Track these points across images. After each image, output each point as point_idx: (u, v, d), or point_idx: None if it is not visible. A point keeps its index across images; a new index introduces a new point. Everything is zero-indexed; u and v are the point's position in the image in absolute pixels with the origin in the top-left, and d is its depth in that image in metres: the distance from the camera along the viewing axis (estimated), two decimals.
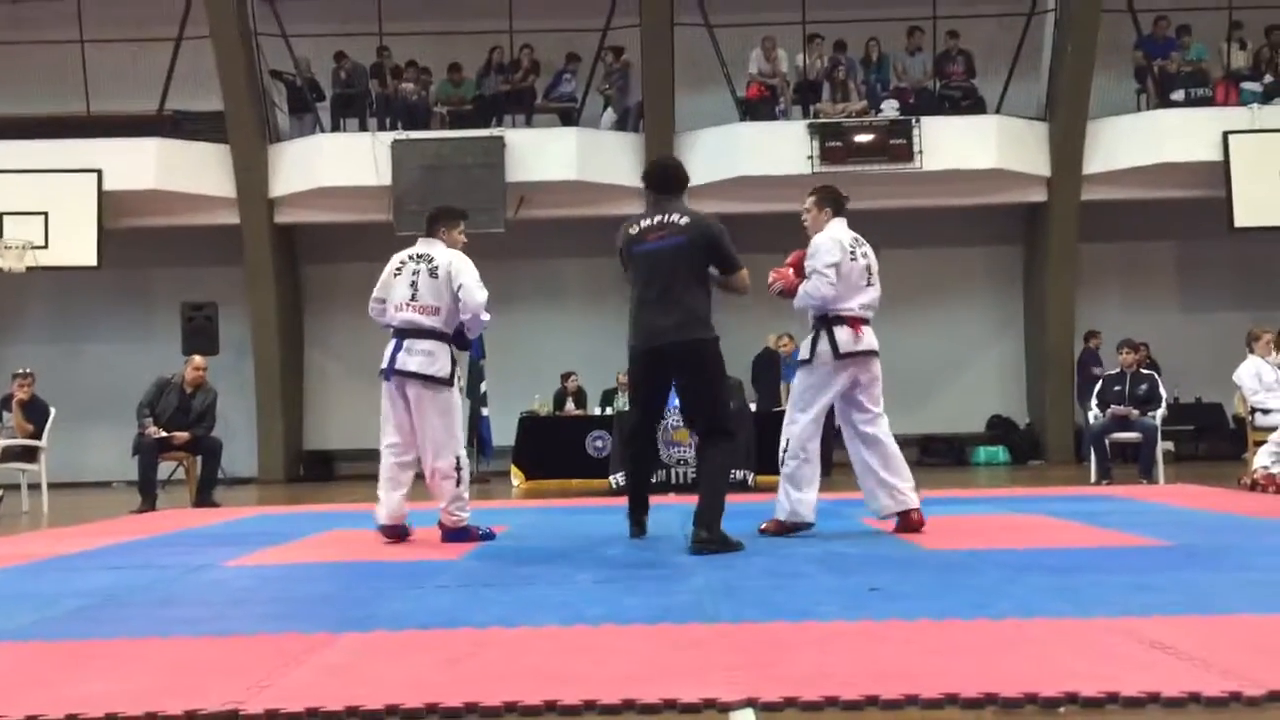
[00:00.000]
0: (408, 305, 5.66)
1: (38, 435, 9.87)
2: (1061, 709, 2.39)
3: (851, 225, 5.85)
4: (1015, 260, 15.43)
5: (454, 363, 5.70)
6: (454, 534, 5.69)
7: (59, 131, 14.05)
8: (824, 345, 5.67)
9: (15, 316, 15.47)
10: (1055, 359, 14.36)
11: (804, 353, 5.80)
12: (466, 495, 5.71)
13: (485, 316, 5.72)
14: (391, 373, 5.64)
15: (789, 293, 5.79)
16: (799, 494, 5.66)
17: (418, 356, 5.60)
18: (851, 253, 5.70)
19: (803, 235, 5.93)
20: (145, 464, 9.51)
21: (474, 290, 5.62)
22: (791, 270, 5.83)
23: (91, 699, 2.56)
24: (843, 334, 5.66)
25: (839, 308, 5.65)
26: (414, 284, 5.66)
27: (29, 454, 9.86)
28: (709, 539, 5.03)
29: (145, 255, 14.94)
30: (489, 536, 5.79)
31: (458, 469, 5.61)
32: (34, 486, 9.92)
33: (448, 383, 5.63)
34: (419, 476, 5.79)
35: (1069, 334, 14.35)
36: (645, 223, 5.45)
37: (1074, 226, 14.16)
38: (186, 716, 2.44)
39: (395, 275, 5.78)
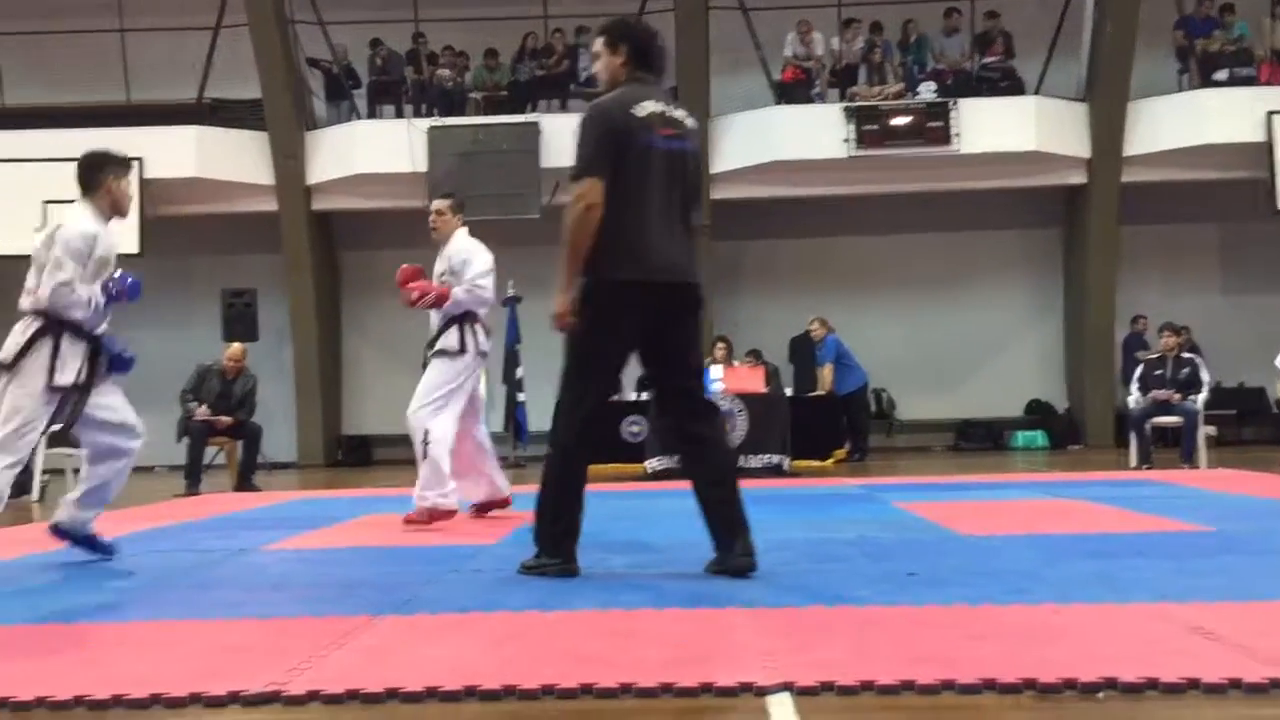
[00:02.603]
0: None
1: None
2: (1100, 695, 2.38)
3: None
4: (1054, 243, 15.28)
5: None
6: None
7: (100, 120, 14.20)
8: (471, 339, 5.86)
9: None
10: (1095, 342, 14.23)
11: (451, 343, 5.84)
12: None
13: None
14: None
15: (441, 302, 5.88)
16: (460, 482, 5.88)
17: None
18: None
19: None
20: (194, 448, 9.66)
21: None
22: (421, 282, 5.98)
23: (137, 680, 2.60)
24: (481, 332, 5.95)
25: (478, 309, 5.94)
26: None
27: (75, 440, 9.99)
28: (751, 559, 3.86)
29: (186, 243, 15.08)
30: None
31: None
32: (78, 471, 10.05)
33: None
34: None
35: (1109, 317, 14.21)
36: (651, 107, 3.92)
37: (1114, 209, 14.01)
38: (230, 697, 2.48)
39: None
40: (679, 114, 4.02)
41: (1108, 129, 13.80)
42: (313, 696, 2.47)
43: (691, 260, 4.00)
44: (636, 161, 3.85)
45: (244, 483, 9.73)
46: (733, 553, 3.84)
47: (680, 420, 4.01)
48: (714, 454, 3.98)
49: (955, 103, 13.52)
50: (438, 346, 5.90)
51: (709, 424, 4.00)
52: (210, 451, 10.58)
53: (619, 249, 3.84)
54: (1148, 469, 9.64)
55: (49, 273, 4.52)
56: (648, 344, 3.98)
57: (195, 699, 2.47)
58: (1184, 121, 13.62)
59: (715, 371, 10.21)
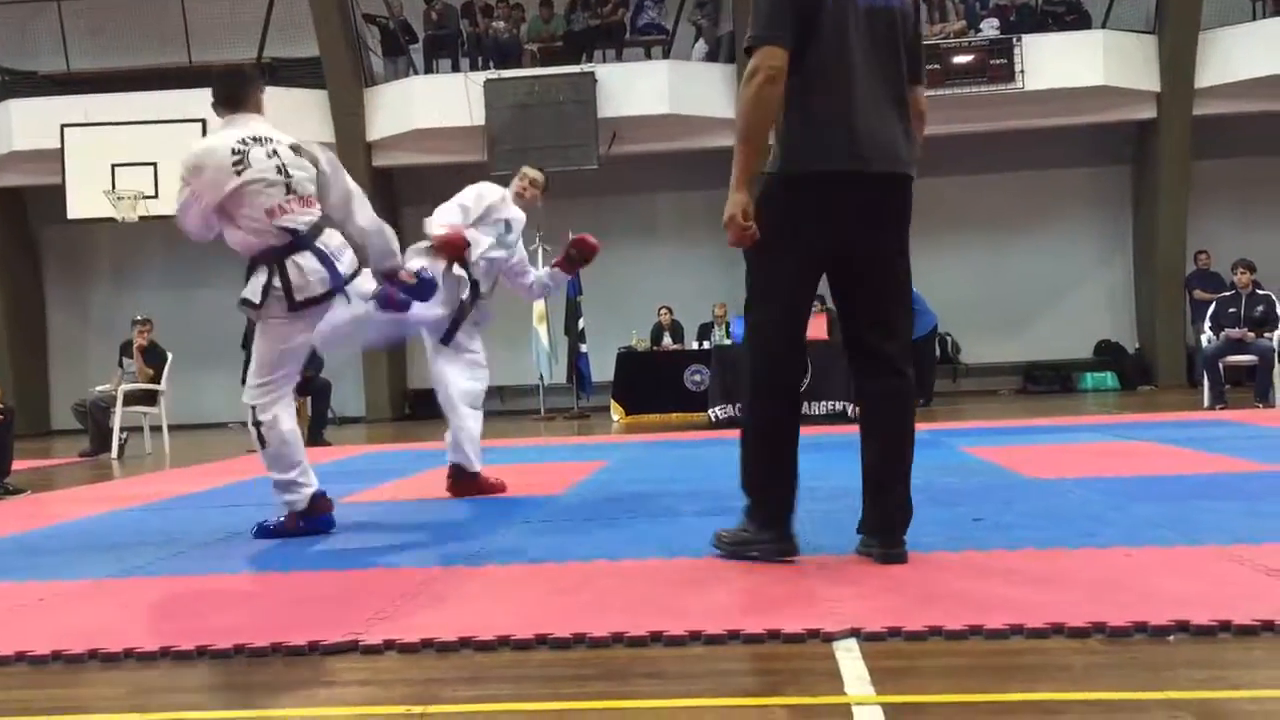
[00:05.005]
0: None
1: (157, 380, 10.25)
2: (1171, 637, 2.37)
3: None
4: (1124, 180, 14.96)
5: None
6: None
7: (164, 83, 14.40)
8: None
9: (131, 265, 16.00)
10: (1167, 281, 13.95)
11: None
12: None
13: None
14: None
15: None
16: None
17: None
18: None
19: None
20: None
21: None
22: None
23: (220, 631, 2.69)
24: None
25: None
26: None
27: (149, 398, 10.26)
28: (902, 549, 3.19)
29: None
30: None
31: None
32: (155, 429, 10.33)
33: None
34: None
35: (1181, 255, 13.91)
36: None
37: (1186, 143, 13.66)
38: (310, 647, 2.55)
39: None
40: None
41: (1178, 61, 13.43)
42: (389, 646, 2.53)
43: (906, 146, 3.24)
44: (831, 22, 3.11)
45: (315, 437, 9.90)
46: (877, 543, 3.21)
47: (860, 371, 3.29)
48: (888, 427, 3.22)
49: (1019, 39, 13.23)
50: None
51: (892, 384, 3.21)
52: None
53: (809, 133, 3.13)
54: (1221, 409, 9.47)
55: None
56: (843, 257, 3.20)
57: (277, 649, 2.55)
58: (1258, 51, 13.21)
59: None
